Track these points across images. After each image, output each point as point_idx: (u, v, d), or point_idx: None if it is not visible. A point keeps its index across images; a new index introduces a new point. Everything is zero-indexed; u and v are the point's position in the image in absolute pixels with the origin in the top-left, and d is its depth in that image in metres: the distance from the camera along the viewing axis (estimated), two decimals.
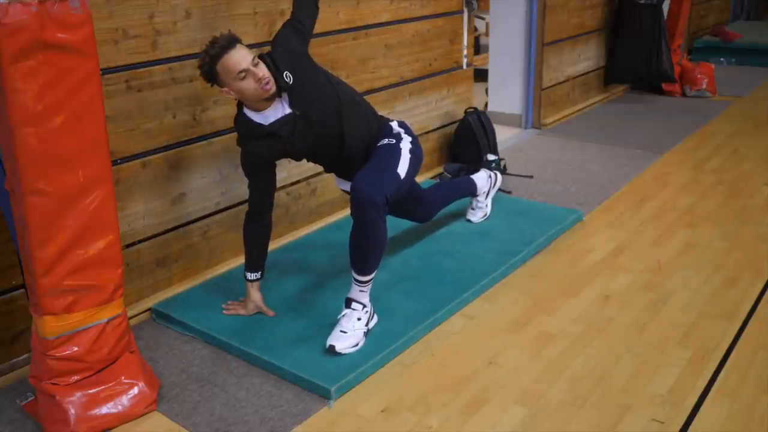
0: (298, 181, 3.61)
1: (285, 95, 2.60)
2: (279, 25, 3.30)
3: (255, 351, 2.64)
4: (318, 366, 2.54)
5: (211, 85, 2.60)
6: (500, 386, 2.49)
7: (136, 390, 2.37)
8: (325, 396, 2.44)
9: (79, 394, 2.29)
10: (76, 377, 2.30)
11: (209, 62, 2.48)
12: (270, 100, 2.58)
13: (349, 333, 2.63)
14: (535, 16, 5.38)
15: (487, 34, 6.92)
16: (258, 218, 2.80)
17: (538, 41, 5.44)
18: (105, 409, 2.32)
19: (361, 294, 2.68)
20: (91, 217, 2.21)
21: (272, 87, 2.51)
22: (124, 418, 2.35)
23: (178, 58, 2.93)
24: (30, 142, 2.05)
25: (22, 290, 2.55)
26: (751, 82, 7.04)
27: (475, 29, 6.63)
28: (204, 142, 3.12)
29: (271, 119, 2.62)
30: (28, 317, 2.39)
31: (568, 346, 2.72)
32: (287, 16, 3.33)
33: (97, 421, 2.30)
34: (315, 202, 3.73)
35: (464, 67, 4.64)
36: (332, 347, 2.58)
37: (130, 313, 2.81)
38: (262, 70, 2.49)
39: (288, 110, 2.62)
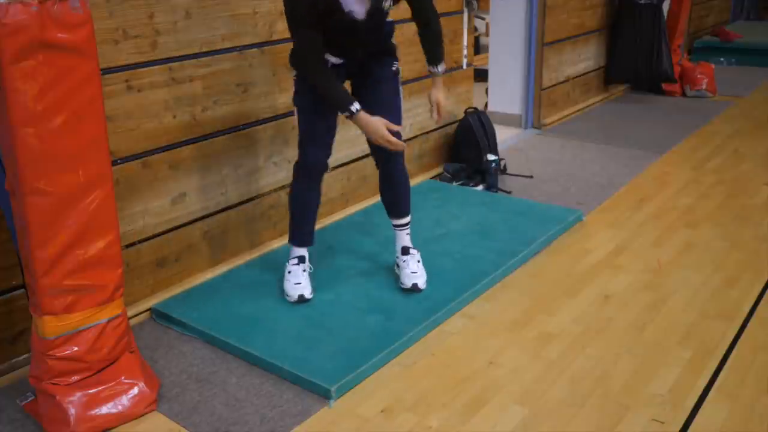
0: None
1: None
2: (279, 25, 3.31)
3: (255, 351, 2.64)
4: (318, 366, 2.54)
5: None
6: (500, 386, 2.49)
7: (136, 390, 2.38)
8: (325, 396, 2.44)
9: (79, 394, 2.29)
10: (76, 377, 2.30)
11: None
12: None
13: (419, 272, 3.02)
14: (535, 16, 5.38)
15: (487, 34, 6.92)
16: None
17: (538, 41, 5.44)
18: (105, 409, 2.32)
19: (409, 239, 3.12)
20: (91, 217, 2.21)
21: None
22: (124, 418, 2.35)
23: (178, 58, 2.93)
24: (30, 142, 2.05)
25: (22, 290, 2.55)
26: (751, 82, 7.04)
27: (475, 29, 6.63)
28: (204, 142, 3.12)
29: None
30: (28, 317, 2.39)
31: (568, 346, 2.72)
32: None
33: (97, 421, 2.30)
34: None
35: (464, 67, 4.64)
36: (416, 285, 2.98)
37: (130, 313, 2.81)
38: None
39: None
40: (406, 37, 4.10)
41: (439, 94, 3.01)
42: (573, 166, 4.71)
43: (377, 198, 3.89)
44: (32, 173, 2.08)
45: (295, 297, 2.95)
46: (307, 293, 2.97)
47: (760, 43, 8.04)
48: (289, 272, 3.02)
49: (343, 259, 3.22)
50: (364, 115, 2.68)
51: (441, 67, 2.99)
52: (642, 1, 6.05)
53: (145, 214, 2.95)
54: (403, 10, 4.01)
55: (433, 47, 2.99)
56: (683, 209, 3.98)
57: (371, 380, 2.54)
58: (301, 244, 3.04)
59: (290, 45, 3.39)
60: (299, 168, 2.95)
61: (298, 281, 2.99)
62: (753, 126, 5.58)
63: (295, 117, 2.89)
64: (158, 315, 2.95)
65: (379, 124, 2.70)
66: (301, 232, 3.03)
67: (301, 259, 3.04)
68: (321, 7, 2.58)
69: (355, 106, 2.66)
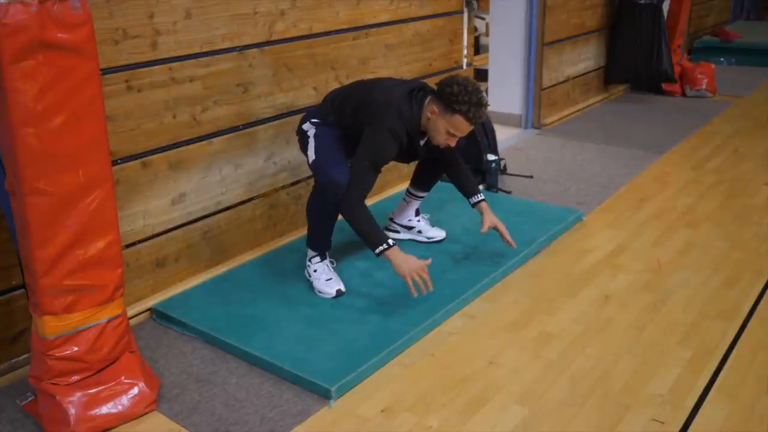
0: (297, 181, 3.61)
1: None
2: (279, 25, 3.32)
3: (255, 351, 2.64)
4: (318, 366, 2.54)
5: (425, 96, 2.87)
6: (500, 386, 2.49)
7: (136, 390, 2.37)
8: (325, 396, 2.44)
9: (79, 394, 2.29)
10: (76, 377, 2.30)
11: (459, 105, 2.73)
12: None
13: None
14: (535, 16, 5.38)
15: (487, 34, 6.92)
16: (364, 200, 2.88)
17: (538, 41, 5.44)
18: (105, 409, 2.32)
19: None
20: (91, 217, 2.21)
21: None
22: (124, 418, 2.35)
23: (178, 58, 2.93)
24: (30, 142, 2.05)
25: (22, 290, 2.55)
26: (751, 82, 7.04)
27: (475, 29, 6.62)
28: (204, 142, 3.12)
29: (420, 141, 2.99)
30: (28, 317, 2.39)
31: (568, 346, 2.72)
32: (287, 16, 3.36)
33: (97, 421, 2.30)
34: None
35: (464, 67, 4.64)
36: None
37: (130, 313, 2.81)
38: (454, 141, 2.90)
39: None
40: (405, 37, 4.11)
41: (495, 218, 3.20)
42: (573, 166, 4.71)
43: (375, 200, 3.91)
44: (32, 173, 2.08)
45: (333, 293, 2.98)
46: (342, 286, 3.00)
47: (760, 43, 8.03)
48: (315, 270, 3.04)
49: (342, 259, 3.22)
50: (397, 250, 2.78)
51: (480, 196, 3.22)
52: (642, 1, 6.05)
53: (145, 214, 2.95)
54: (402, 10, 4.03)
55: (466, 183, 3.23)
56: (683, 209, 3.98)
57: (371, 380, 2.54)
58: (322, 250, 3.07)
59: (289, 45, 3.41)
60: (326, 186, 2.88)
61: (329, 277, 3.02)
62: (753, 126, 5.58)
63: (313, 150, 2.95)
64: (158, 315, 2.95)
65: (414, 260, 2.79)
66: (325, 239, 3.06)
67: (322, 255, 3.06)
68: (404, 148, 2.91)
69: (391, 241, 2.79)
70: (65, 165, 2.13)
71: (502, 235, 3.22)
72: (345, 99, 3.01)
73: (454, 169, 3.24)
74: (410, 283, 2.77)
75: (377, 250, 2.79)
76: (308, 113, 3.10)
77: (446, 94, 2.77)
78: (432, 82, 4.45)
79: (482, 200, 3.22)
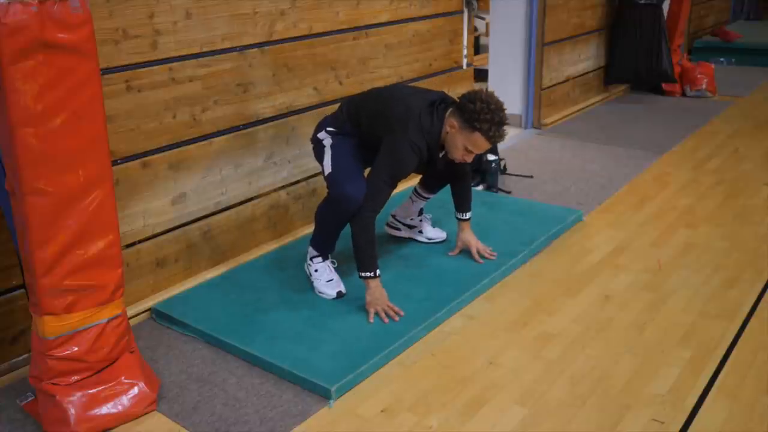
0: (298, 181, 3.61)
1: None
2: (279, 25, 3.32)
3: (255, 351, 2.64)
4: (318, 366, 2.54)
5: (446, 109, 2.83)
6: (500, 386, 2.49)
7: (136, 390, 2.37)
8: (325, 396, 2.44)
9: (79, 394, 2.29)
10: (76, 377, 2.30)
11: (480, 123, 2.70)
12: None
13: None
14: (535, 16, 5.38)
15: (487, 34, 6.93)
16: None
17: (538, 41, 5.44)
18: (105, 409, 2.32)
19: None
20: (91, 217, 2.21)
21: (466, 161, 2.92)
22: (124, 418, 2.35)
23: (178, 58, 2.93)
24: (30, 142, 2.05)
25: (22, 290, 2.55)
26: (751, 82, 7.04)
27: (475, 29, 6.63)
28: (204, 142, 3.12)
29: (439, 154, 2.93)
30: (28, 317, 2.39)
31: (568, 346, 2.72)
32: (287, 16, 3.36)
33: (97, 421, 2.30)
34: (315, 201, 3.72)
35: (464, 67, 4.65)
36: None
37: (130, 313, 2.81)
38: (471, 157, 2.89)
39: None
40: (405, 37, 4.11)
41: (472, 238, 3.31)
42: (573, 166, 4.71)
43: None
44: (32, 173, 2.08)
45: (334, 294, 2.98)
46: (343, 288, 3.00)
47: (760, 43, 8.04)
48: (316, 270, 3.04)
49: (342, 258, 3.22)
50: (378, 283, 2.85)
51: (468, 214, 3.31)
52: (642, 1, 6.05)
53: (145, 214, 2.95)
54: (402, 10, 4.03)
55: (464, 200, 3.28)
56: (683, 209, 3.98)
57: (371, 380, 2.54)
58: (325, 252, 3.06)
59: (289, 45, 3.41)
60: (341, 201, 2.86)
61: (330, 278, 3.02)
62: (753, 126, 5.58)
63: (329, 161, 2.95)
64: (158, 315, 2.95)
65: (383, 297, 2.85)
66: (330, 243, 3.05)
67: (324, 256, 3.06)
68: (423, 161, 2.87)
69: (378, 272, 2.84)
70: (65, 165, 2.13)
71: (472, 256, 3.27)
72: (360, 107, 2.98)
73: (461, 181, 3.24)
74: (372, 313, 2.82)
75: (364, 273, 2.84)
76: (323, 122, 3.07)
77: (468, 110, 2.73)
78: (432, 82, 4.48)
79: (467, 220, 3.30)
